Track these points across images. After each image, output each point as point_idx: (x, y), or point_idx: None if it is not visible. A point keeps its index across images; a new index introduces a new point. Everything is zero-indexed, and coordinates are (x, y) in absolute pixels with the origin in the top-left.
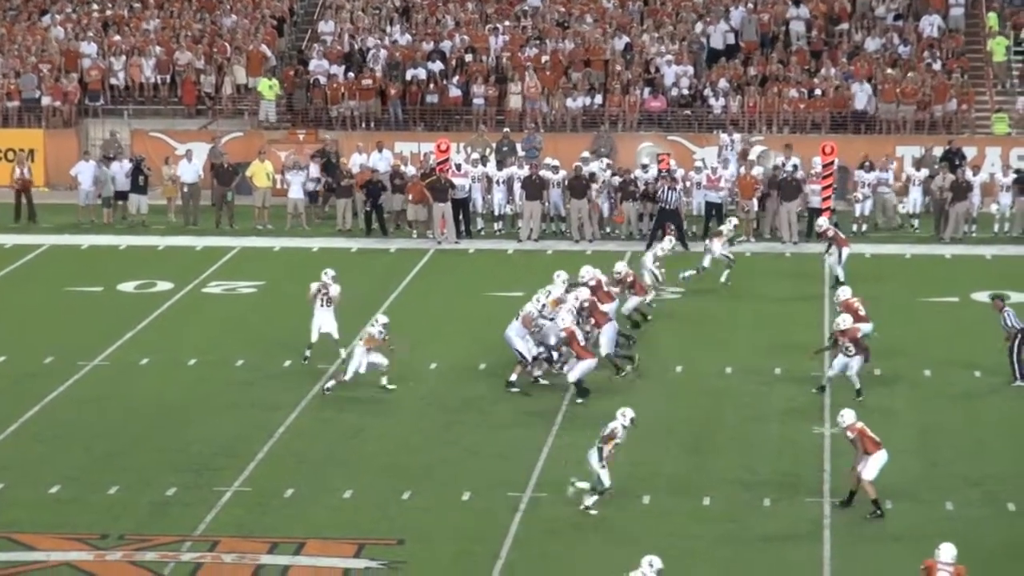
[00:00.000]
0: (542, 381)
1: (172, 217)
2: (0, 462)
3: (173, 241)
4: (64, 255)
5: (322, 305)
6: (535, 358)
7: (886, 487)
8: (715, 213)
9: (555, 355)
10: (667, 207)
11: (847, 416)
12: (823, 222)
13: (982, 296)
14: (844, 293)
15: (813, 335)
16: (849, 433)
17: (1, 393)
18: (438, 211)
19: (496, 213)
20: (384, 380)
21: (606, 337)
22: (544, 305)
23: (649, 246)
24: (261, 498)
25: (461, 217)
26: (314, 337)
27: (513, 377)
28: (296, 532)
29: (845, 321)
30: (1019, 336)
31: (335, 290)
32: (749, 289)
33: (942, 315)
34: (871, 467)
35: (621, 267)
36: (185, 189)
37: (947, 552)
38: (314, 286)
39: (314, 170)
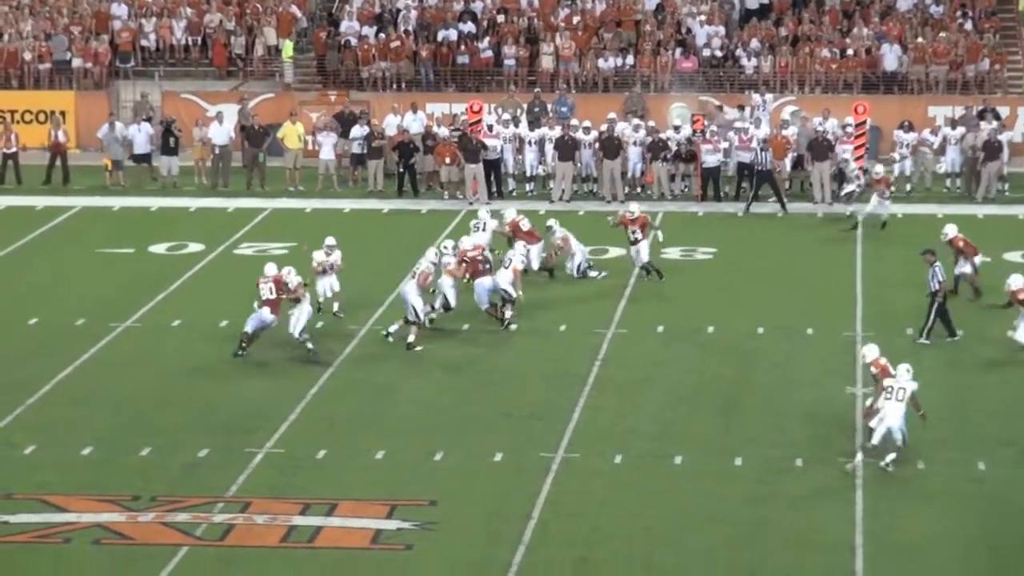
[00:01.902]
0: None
1: (203, 179)
2: (32, 424)
3: (204, 203)
4: (96, 217)
5: (325, 272)
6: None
7: (917, 446)
8: (747, 173)
9: (452, 304)
10: (762, 168)
11: (870, 352)
12: (950, 230)
13: (1015, 256)
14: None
15: (846, 295)
16: (873, 368)
17: (33, 354)
18: (470, 172)
19: (528, 174)
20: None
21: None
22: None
23: (748, 208)
24: (293, 459)
25: (492, 178)
26: (322, 297)
27: (411, 339)
28: (328, 493)
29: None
30: (944, 293)
31: (337, 256)
32: (781, 249)
33: None
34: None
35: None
36: (216, 151)
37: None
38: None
39: (358, 131)
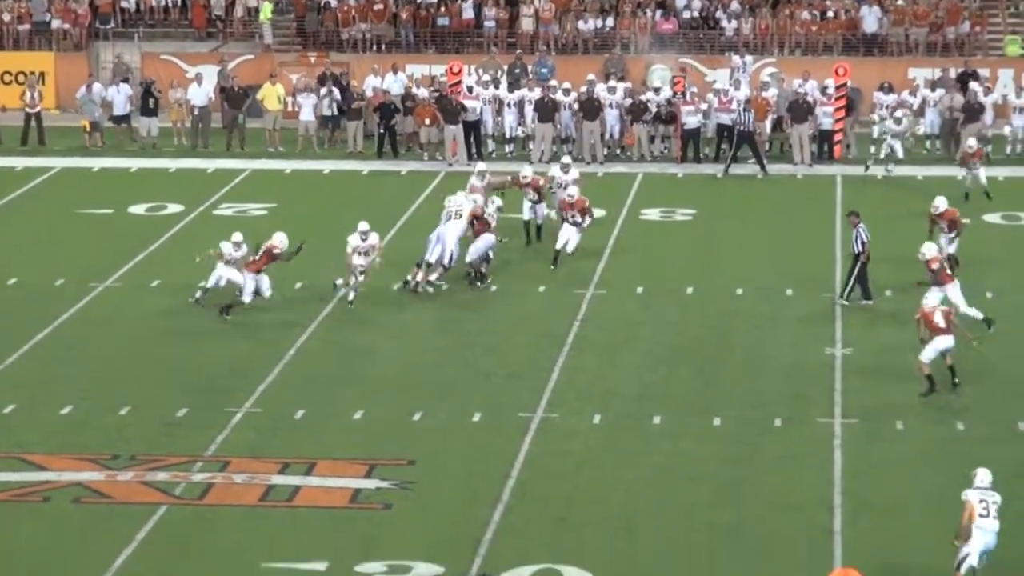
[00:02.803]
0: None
1: (183, 140)
2: (11, 383)
3: (184, 164)
4: (75, 177)
5: (361, 255)
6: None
7: (899, 406)
8: (727, 135)
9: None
10: (744, 129)
11: (929, 249)
12: (940, 203)
13: (995, 218)
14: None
15: (825, 256)
16: (933, 264)
17: (13, 314)
18: (449, 133)
19: (507, 135)
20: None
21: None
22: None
23: (727, 169)
24: (272, 419)
25: (472, 139)
26: (352, 279)
27: (433, 277)
28: (307, 453)
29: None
30: (867, 256)
31: (374, 238)
32: (761, 211)
33: None
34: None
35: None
36: (195, 112)
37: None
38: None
39: (336, 92)
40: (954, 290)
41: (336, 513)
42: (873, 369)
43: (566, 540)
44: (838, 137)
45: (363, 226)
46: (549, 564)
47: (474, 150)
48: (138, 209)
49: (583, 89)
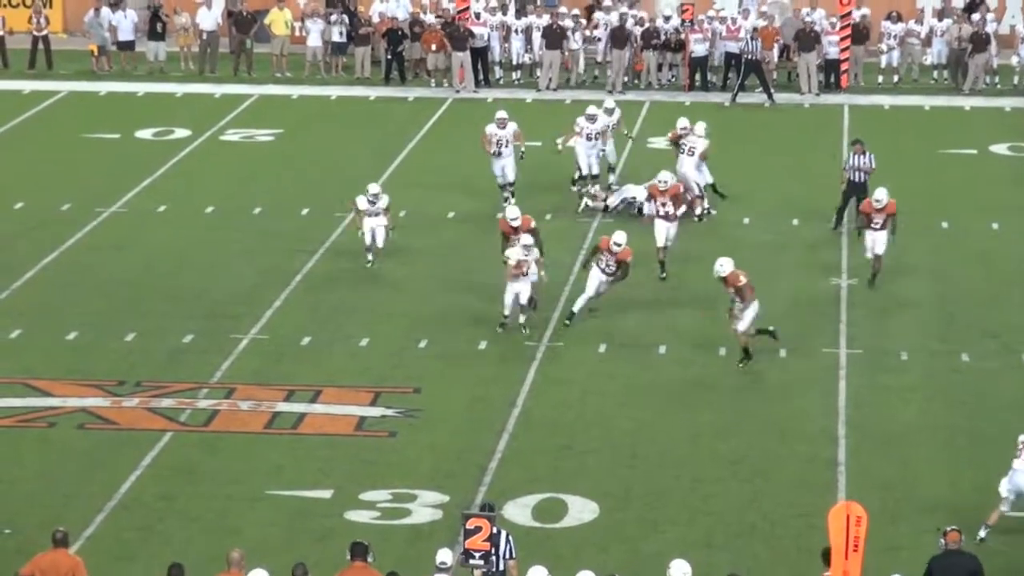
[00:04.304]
0: None
1: (190, 65)
2: (17, 308)
3: (191, 88)
4: (82, 102)
5: (370, 216)
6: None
7: (903, 337)
8: (734, 63)
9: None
10: (752, 58)
11: (726, 264)
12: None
13: (1001, 148)
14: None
15: (832, 185)
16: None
17: (19, 239)
18: (457, 60)
19: (514, 62)
20: None
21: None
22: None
23: (735, 98)
24: (277, 346)
25: (479, 66)
26: (368, 240)
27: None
28: (312, 380)
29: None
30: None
31: (385, 201)
32: (768, 139)
33: (960, 167)
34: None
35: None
36: (203, 36)
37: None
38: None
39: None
40: (752, 310)
41: (341, 441)
42: (878, 300)
43: (570, 469)
44: (845, 66)
45: (373, 188)
46: (553, 493)
47: (481, 76)
48: (145, 134)
49: (614, 17)
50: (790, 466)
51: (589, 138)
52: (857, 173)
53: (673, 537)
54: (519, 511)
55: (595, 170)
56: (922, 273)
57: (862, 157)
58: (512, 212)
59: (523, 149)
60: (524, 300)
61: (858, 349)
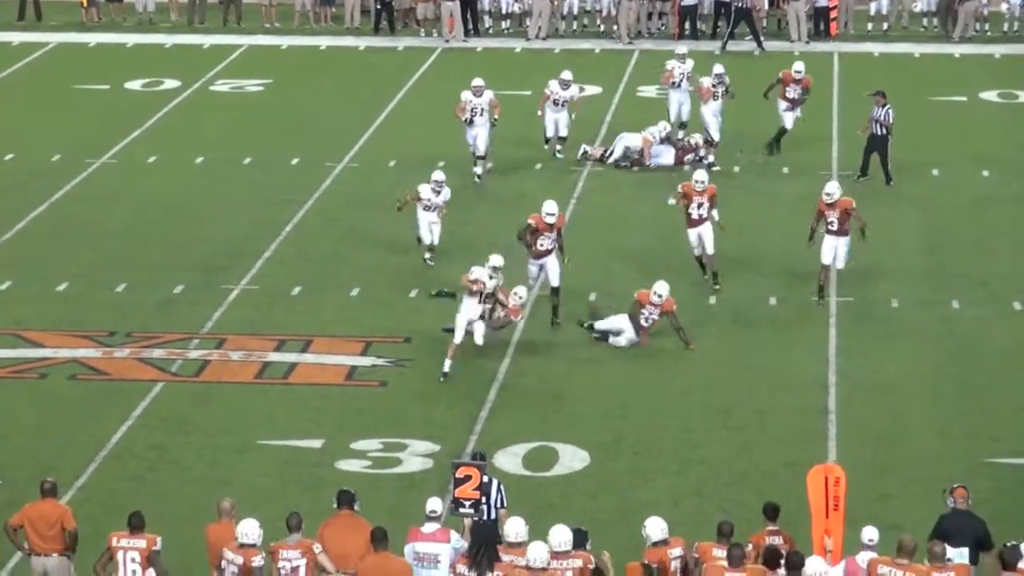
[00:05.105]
0: None
1: (179, 16)
2: (7, 259)
3: (180, 39)
4: (71, 53)
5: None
6: None
7: (893, 286)
8: (724, 11)
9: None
10: (742, 6)
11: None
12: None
13: (991, 95)
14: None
15: (822, 135)
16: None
17: (9, 190)
18: (446, 9)
19: (504, 11)
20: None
21: None
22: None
23: (724, 46)
24: (268, 296)
25: (469, 15)
26: (427, 239)
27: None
28: (303, 330)
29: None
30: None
31: (447, 193)
32: (758, 88)
33: (951, 114)
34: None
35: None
36: None
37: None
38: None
39: None
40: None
41: (332, 390)
42: (868, 247)
43: (561, 419)
44: (834, 14)
45: (438, 175)
46: (544, 442)
47: (470, 26)
48: (134, 85)
49: None
50: (781, 416)
51: (556, 103)
52: (876, 125)
53: (663, 486)
54: (509, 460)
55: (562, 131)
56: (912, 221)
57: (880, 109)
58: (549, 207)
59: (496, 117)
60: (479, 339)
61: (848, 297)
